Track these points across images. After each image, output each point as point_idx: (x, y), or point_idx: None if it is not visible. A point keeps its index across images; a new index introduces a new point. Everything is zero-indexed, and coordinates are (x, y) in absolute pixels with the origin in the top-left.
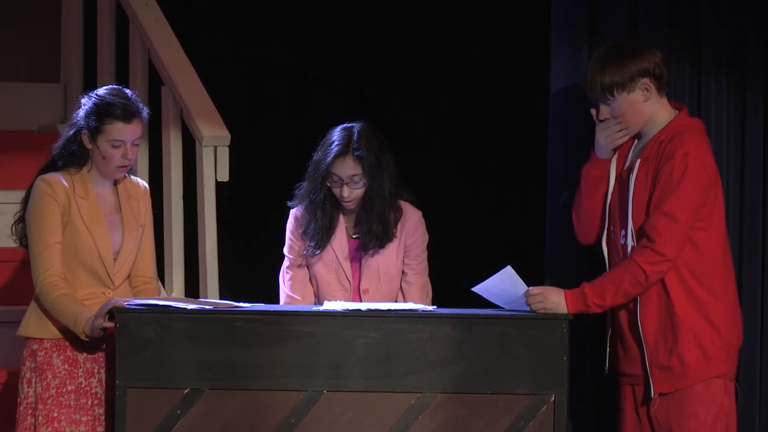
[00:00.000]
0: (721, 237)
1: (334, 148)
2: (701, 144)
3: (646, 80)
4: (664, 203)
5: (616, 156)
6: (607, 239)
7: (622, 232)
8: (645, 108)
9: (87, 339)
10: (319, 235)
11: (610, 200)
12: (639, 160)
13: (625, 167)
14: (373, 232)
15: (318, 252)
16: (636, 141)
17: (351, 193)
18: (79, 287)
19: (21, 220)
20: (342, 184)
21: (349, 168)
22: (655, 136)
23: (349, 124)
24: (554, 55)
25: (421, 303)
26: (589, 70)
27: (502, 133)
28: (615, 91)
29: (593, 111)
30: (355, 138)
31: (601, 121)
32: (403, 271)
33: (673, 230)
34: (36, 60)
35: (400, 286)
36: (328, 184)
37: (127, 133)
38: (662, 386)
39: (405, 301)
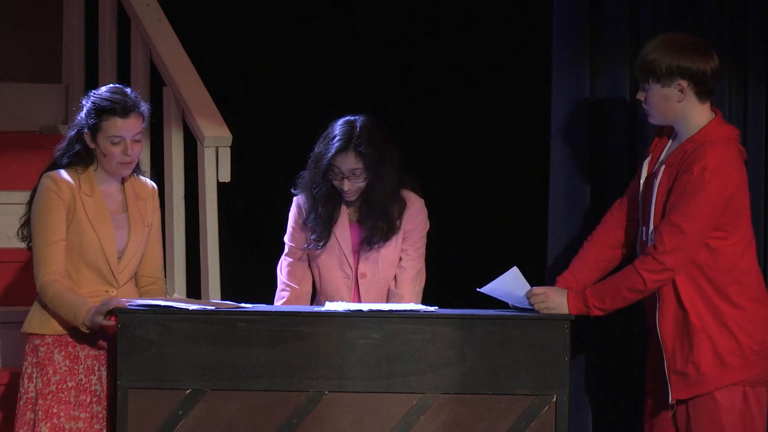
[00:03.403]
0: (743, 245)
1: (336, 143)
2: (724, 155)
3: (683, 81)
4: (673, 213)
5: (648, 158)
6: (640, 240)
7: (643, 230)
8: (676, 106)
9: (88, 331)
10: (320, 228)
11: (642, 199)
12: (663, 167)
13: (653, 171)
14: (378, 228)
15: (321, 246)
16: (670, 142)
17: (352, 186)
18: (83, 285)
19: (27, 223)
20: (343, 178)
21: (350, 162)
22: (681, 144)
23: (352, 117)
24: (555, 54)
25: (411, 289)
26: (642, 50)
27: (504, 133)
28: (650, 80)
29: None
30: (357, 133)
31: (638, 100)
32: (399, 257)
33: (678, 241)
34: (38, 61)
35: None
36: (330, 177)
37: (125, 128)
38: (679, 393)
39: (396, 285)
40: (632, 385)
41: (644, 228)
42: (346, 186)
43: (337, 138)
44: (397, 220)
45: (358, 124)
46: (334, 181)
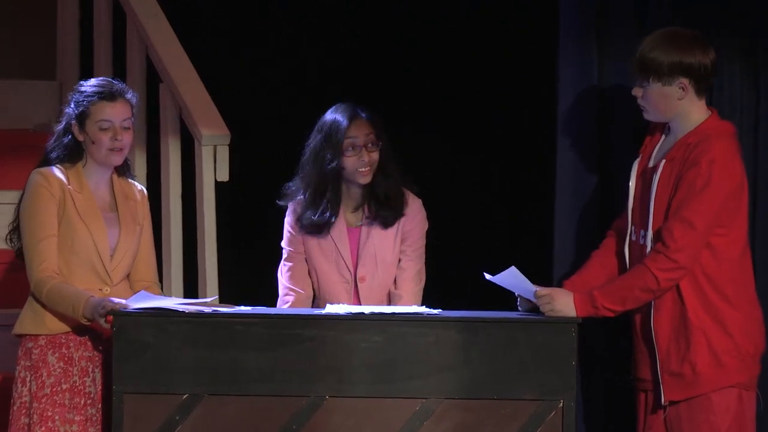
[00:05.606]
0: (741, 243)
1: (344, 119)
2: (729, 150)
3: (684, 79)
4: (683, 209)
5: (638, 159)
6: (629, 241)
7: (642, 233)
8: (677, 104)
9: (88, 323)
10: (329, 208)
11: (632, 201)
12: (664, 161)
13: (650, 166)
14: (392, 197)
15: (333, 220)
16: (663, 138)
17: (370, 157)
18: (76, 283)
19: (16, 229)
20: (361, 149)
21: (364, 128)
22: (682, 138)
23: (342, 103)
24: (562, 48)
25: (411, 289)
26: (641, 46)
27: (509, 129)
28: (651, 78)
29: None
30: (356, 106)
31: (635, 97)
32: (398, 258)
33: (690, 237)
34: (32, 57)
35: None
36: (347, 155)
37: (114, 112)
38: (673, 394)
39: (396, 286)
40: None
41: (634, 227)
42: (366, 157)
43: (342, 115)
44: (402, 208)
45: (352, 103)
46: (351, 158)
